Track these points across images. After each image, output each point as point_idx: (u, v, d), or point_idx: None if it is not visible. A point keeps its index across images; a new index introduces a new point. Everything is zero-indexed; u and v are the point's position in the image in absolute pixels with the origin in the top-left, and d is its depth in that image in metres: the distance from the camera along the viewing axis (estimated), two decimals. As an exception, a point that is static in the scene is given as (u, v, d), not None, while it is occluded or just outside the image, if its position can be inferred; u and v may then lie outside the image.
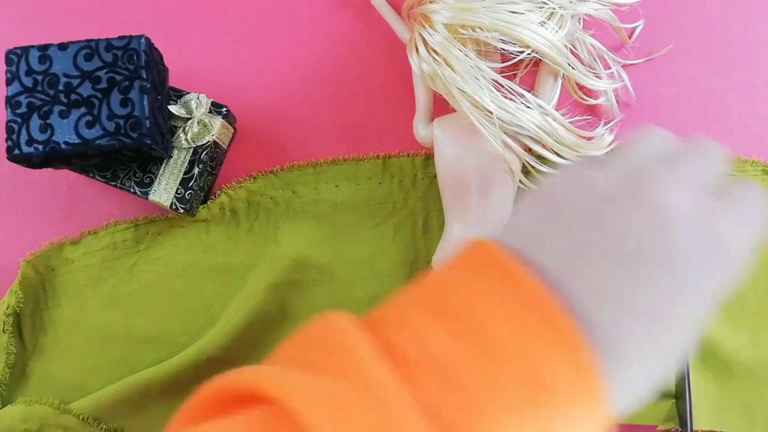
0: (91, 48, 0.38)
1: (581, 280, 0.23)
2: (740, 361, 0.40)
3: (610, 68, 0.42)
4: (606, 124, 0.41)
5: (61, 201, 0.45)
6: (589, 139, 0.39)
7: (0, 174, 0.45)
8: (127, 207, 0.45)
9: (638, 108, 0.43)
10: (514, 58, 0.38)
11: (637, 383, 0.23)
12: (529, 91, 0.38)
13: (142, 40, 0.38)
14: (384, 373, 0.21)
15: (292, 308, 0.43)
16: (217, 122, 0.42)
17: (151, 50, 0.39)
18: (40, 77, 0.38)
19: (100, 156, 0.39)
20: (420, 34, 0.38)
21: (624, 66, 0.43)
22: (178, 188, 0.41)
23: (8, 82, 0.38)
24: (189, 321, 0.44)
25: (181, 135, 0.41)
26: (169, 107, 0.41)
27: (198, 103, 0.41)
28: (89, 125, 0.38)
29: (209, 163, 0.42)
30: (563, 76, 0.40)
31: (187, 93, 0.42)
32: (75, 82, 0.38)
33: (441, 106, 0.41)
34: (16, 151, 0.38)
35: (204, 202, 0.43)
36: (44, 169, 0.41)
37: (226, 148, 0.44)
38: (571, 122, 0.39)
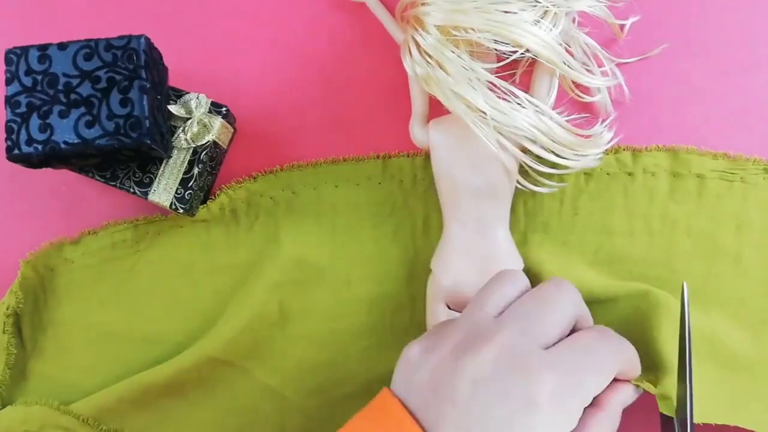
0: (90, 48, 0.38)
1: None
2: (744, 355, 0.40)
3: (603, 67, 0.42)
4: (603, 122, 0.41)
5: (60, 201, 0.45)
6: (588, 137, 0.39)
7: (0, 174, 0.45)
8: (127, 207, 0.45)
9: (638, 108, 0.43)
10: (510, 58, 0.37)
11: None
12: (525, 91, 0.38)
13: (142, 39, 0.38)
14: None
15: (292, 308, 0.43)
16: (217, 122, 0.42)
17: (151, 50, 0.39)
18: (39, 77, 0.38)
19: (100, 156, 0.39)
20: (412, 36, 0.38)
21: (620, 65, 0.43)
22: (177, 188, 0.41)
23: (8, 82, 0.38)
24: (189, 321, 0.44)
25: (180, 135, 0.41)
26: (169, 107, 0.41)
27: (198, 103, 0.41)
28: (89, 125, 0.38)
29: (209, 163, 0.42)
30: (559, 75, 0.40)
31: (187, 93, 0.42)
32: (74, 81, 0.38)
33: (438, 108, 0.41)
34: (16, 151, 0.38)
35: (204, 202, 0.43)
36: (44, 169, 0.41)
37: (225, 148, 0.44)
38: (568, 121, 0.38)
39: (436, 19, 0.37)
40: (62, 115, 0.38)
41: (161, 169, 0.41)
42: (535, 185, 0.40)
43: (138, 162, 0.41)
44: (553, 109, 0.39)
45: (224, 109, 0.42)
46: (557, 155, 0.38)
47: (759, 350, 0.41)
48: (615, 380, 0.34)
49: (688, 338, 0.36)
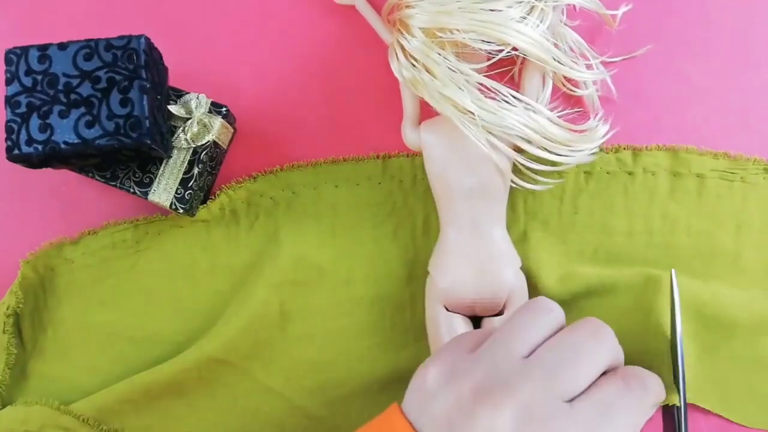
0: (90, 48, 0.38)
1: None
2: (741, 319, 0.40)
3: (590, 63, 0.41)
4: (596, 117, 0.41)
5: (60, 201, 0.45)
6: (582, 132, 0.39)
7: (0, 174, 0.45)
8: (127, 207, 0.45)
9: (638, 107, 0.43)
10: (495, 57, 0.37)
11: None
12: (515, 90, 0.37)
13: (142, 39, 0.38)
14: None
15: (292, 308, 0.43)
16: (217, 122, 0.42)
17: (151, 50, 0.39)
18: (39, 77, 0.38)
19: (100, 156, 0.39)
20: (398, 40, 0.38)
21: (618, 64, 0.43)
22: (177, 188, 0.41)
23: (8, 82, 0.38)
24: (189, 321, 0.44)
25: (180, 135, 0.41)
26: (169, 107, 0.41)
27: (198, 103, 0.41)
28: (89, 125, 0.38)
29: (209, 163, 0.42)
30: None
31: (187, 93, 0.42)
32: (74, 81, 0.38)
33: (430, 109, 0.41)
34: (16, 151, 0.38)
35: (204, 202, 0.43)
36: (44, 169, 0.41)
37: (225, 148, 0.44)
38: (560, 116, 0.38)
39: (420, 22, 0.37)
40: (62, 115, 0.38)
41: (161, 169, 0.41)
42: (531, 183, 0.39)
43: (138, 162, 0.41)
44: (548, 104, 0.39)
45: (224, 109, 0.42)
46: (550, 152, 0.38)
47: (752, 313, 0.41)
48: None
49: (678, 323, 0.36)
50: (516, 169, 0.39)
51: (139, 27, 0.41)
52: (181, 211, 0.41)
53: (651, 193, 0.42)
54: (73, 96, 0.38)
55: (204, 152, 0.41)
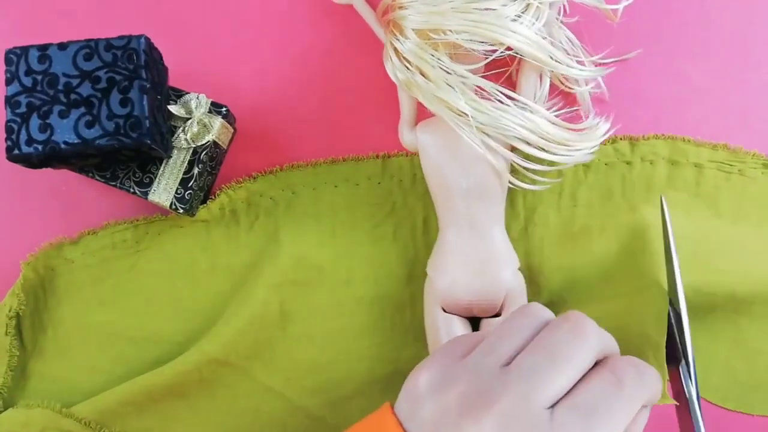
0: (90, 48, 0.38)
1: None
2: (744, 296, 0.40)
3: (584, 63, 0.41)
4: (592, 116, 0.41)
5: (60, 201, 0.45)
6: (581, 131, 0.39)
7: (0, 174, 0.45)
8: (127, 207, 0.45)
9: (638, 107, 0.43)
10: (489, 58, 0.36)
11: None
12: (511, 90, 0.37)
13: (142, 39, 0.38)
14: None
15: (292, 308, 0.42)
16: (217, 122, 0.42)
17: (151, 50, 0.39)
18: (39, 77, 0.38)
19: (100, 156, 0.39)
20: (391, 42, 0.38)
21: (617, 64, 0.43)
22: (177, 188, 0.41)
23: (8, 82, 0.38)
24: (189, 321, 0.44)
25: (180, 135, 0.41)
26: (169, 107, 0.41)
27: (198, 103, 0.41)
28: (89, 125, 0.38)
29: (209, 163, 0.42)
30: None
31: (187, 93, 0.42)
32: (74, 81, 0.38)
33: (427, 110, 0.41)
34: (16, 151, 0.38)
35: (204, 202, 0.43)
36: (44, 169, 0.41)
37: (225, 148, 0.44)
38: (558, 116, 0.37)
39: (413, 23, 0.36)
40: (62, 115, 0.38)
41: (161, 169, 0.41)
42: (529, 184, 0.39)
43: (138, 162, 0.41)
44: (546, 103, 0.39)
45: (224, 109, 0.42)
46: (548, 152, 0.37)
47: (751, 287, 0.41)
48: None
49: (673, 251, 0.36)
50: (514, 170, 0.39)
51: (139, 27, 0.41)
52: (181, 211, 0.41)
53: (648, 182, 0.42)
54: (73, 96, 0.38)
55: (204, 152, 0.41)
